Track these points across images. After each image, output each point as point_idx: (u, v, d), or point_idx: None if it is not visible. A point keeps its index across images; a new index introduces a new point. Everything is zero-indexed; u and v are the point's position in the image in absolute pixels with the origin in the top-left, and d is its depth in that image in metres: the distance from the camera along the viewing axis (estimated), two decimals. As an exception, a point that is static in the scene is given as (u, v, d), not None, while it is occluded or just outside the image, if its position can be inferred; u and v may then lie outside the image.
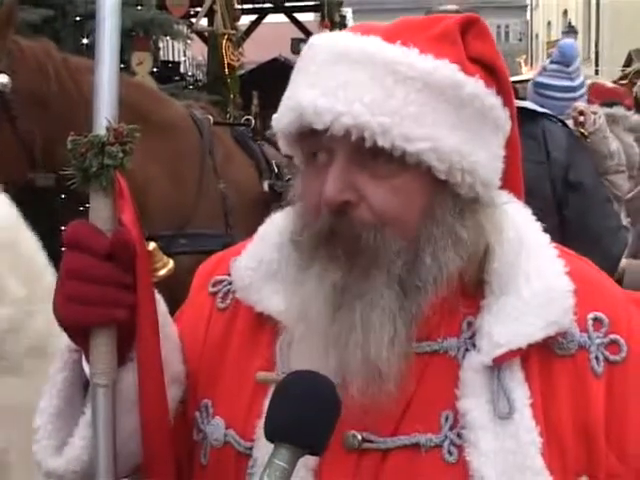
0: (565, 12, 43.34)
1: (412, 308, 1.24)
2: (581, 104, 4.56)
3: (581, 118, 4.43)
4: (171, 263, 1.56)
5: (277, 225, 1.41)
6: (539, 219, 1.38)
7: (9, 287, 1.96)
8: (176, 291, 1.58)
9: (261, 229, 1.46)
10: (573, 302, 1.28)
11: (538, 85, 4.78)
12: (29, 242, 2.08)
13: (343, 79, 1.22)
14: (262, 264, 1.40)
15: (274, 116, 1.33)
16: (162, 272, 1.51)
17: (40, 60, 3.48)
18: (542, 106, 4.48)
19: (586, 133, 4.44)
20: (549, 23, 49.31)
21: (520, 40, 61.97)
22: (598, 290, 1.35)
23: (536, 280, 1.29)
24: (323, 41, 1.30)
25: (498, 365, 1.24)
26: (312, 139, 1.26)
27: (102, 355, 1.26)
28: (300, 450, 1.11)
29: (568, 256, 1.37)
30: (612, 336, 1.29)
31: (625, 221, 5.16)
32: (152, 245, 1.38)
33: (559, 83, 4.75)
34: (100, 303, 1.24)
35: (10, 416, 1.89)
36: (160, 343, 1.30)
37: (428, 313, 1.26)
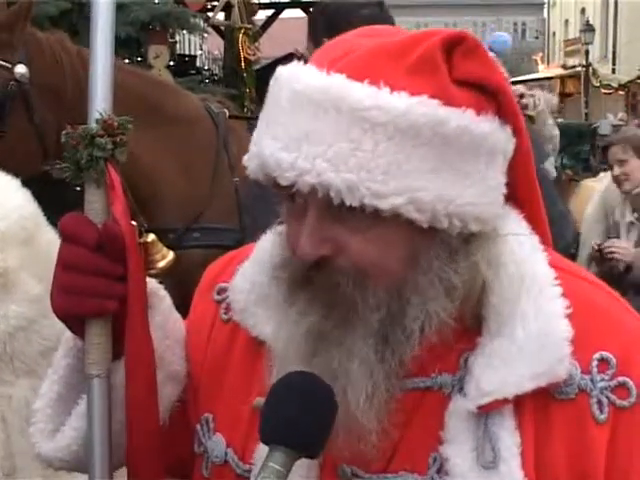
0: (583, 10, 43.19)
1: (394, 359, 1.18)
2: (519, 87, 4.52)
3: (523, 101, 4.34)
4: (171, 255, 1.55)
5: (269, 245, 1.35)
6: None
7: (22, 284, 1.95)
8: (188, 285, 1.58)
9: (257, 245, 1.41)
10: (569, 350, 1.18)
11: None
12: (48, 238, 2.06)
13: (305, 129, 1.12)
14: (255, 286, 1.35)
15: (244, 157, 1.24)
16: (161, 264, 1.50)
17: (55, 52, 3.50)
18: None
19: (533, 114, 4.35)
20: (566, 21, 49.14)
21: (537, 38, 61.74)
22: (609, 326, 1.24)
23: (533, 322, 1.19)
24: (286, 77, 1.19)
25: (485, 412, 1.17)
26: (282, 187, 1.16)
27: (95, 345, 1.28)
28: (296, 453, 1.09)
29: (580, 283, 1.29)
30: (620, 379, 1.20)
31: (632, 216, 5.23)
32: (151, 237, 1.39)
33: None
34: (89, 293, 1.25)
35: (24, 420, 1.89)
36: (150, 336, 1.30)
37: (421, 350, 1.18)
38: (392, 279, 1.17)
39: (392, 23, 2.99)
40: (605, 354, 1.20)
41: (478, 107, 1.16)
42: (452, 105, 1.13)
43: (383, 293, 1.17)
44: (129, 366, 1.28)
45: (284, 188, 1.15)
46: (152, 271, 1.38)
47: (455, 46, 1.16)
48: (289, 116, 1.15)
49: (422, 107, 1.11)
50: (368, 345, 1.17)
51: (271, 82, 1.22)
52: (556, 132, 5.86)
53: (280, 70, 1.22)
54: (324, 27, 3.14)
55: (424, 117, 1.11)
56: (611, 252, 4.86)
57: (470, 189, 1.15)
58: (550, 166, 5.15)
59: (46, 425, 1.39)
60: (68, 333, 1.36)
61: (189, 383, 1.41)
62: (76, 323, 1.29)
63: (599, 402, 1.19)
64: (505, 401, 1.17)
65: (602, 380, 1.19)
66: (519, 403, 1.18)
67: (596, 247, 4.97)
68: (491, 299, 1.21)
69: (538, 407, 1.19)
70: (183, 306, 1.46)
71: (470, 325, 1.22)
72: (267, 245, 1.36)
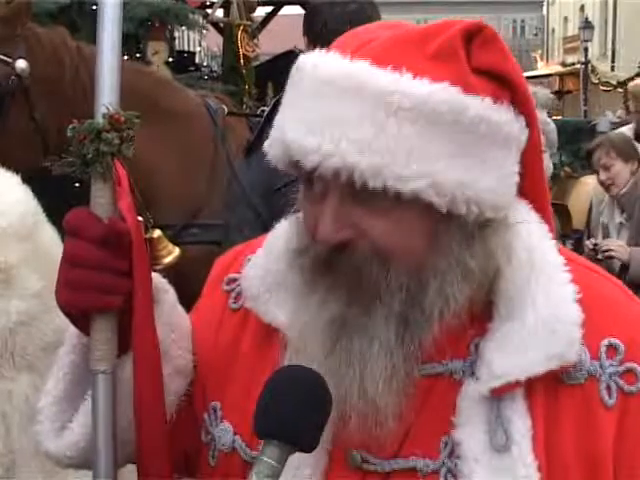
0: (582, 7, 43.18)
1: (413, 343, 1.19)
2: None
3: None
4: (177, 251, 1.56)
5: (284, 233, 1.36)
6: None
7: (23, 279, 1.95)
8: (187, 280, 1.58)
9: (270, 235, 1.42)
10: (580, 334, 1.19)
11: None
12: (48, 234, 2.07)
13: (330, 113, 1.14)
14: (269, 274, 1.36)
15: (266, 142, 1.25)
16: (167, 259, 1.51)
17: (56, 47, 3.50)
18: None
19: None
20: (565, 18, 49.13)
21: (536, 35, 61.81)
22: (616, 313, 1.25)
23: (543, 307, 1.21)
24: (310, 65, 1.20)
25: (498, 395, 1.19)
26: (304, 170, 1.18)
27: (100, 341, 1.27)
28: (289, 447, 1.09)
29: (588, 273, 1.30)
30: (628, 364, 1.21)
31: (621, 217, 5.22)
32: (157, 233, 1.39)
33: None
34: (94, 289, 1.24)
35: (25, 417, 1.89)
36: (156, 332, 1.29)
37: (433, 337, 1.20)
38: (413, 261, 1.18)
39: (373, 21, 3.00)
40: (613, 340, 1.22)
41: (495, 96, 1.18)
42: (471, 93, 1.15)
43: (404, 275, 1.18)
44: (137, 362, 1.28)
45: (305, 172, 1.17)
46: (158, 266, 1.37)
47: (474, 36, 1.18)
48: (312, 102, 1.16)
49: (444, 93, 1.13)
50: (389, 327, 1.18)
51: (292, 71, 1.24)
52: (552, 127, 5.84)
53: (302, 59, 1.23)
54: (305, 26, 3.16)
55: (445, 104, 1.13)
56: (607, 250, 4.84)
57: (487, 176, 1.17)
58: (547, 161, 5.16)
59: (52, 423, 1.38)
60: (72, 329, 1.36)
61: (196, 374, 1.41)
62: (81, 319, 1.28)
63: (608, 387, 1.20)
64: (517, 384, 1.18)
65: (611, 366, 1.21)
66: (530, 387, 1.19)
67: (591, 246, 4.95)
68: (502, 285, 1.23)
69: (548, 391, 1.20)
70: (182, 302, 1.46)
71: (479, 311, 1.24)
72: (279, 235, 1.37)
